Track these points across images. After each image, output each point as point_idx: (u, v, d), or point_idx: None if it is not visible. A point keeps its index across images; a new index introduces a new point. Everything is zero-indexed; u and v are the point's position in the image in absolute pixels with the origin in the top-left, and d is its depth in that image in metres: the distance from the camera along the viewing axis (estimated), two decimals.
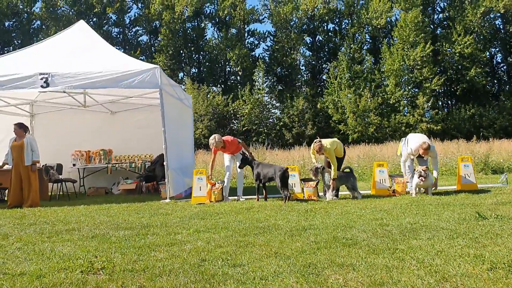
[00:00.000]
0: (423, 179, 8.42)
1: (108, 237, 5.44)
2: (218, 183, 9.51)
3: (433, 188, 8.85)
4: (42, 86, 9.09)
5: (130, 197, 10.91)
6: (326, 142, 8.96)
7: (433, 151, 8.88)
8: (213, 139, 9.25)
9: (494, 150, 16.50)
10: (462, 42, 34.93)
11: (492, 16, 37.14)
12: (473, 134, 22.04)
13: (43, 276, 3.78)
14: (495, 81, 40.16)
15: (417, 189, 8.71)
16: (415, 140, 8.97)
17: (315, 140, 8.92)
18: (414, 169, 8.96)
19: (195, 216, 7.02)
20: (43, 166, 10.96)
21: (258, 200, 8.92)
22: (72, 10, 40.46)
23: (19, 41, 38.81)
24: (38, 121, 13.10)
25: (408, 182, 9.17)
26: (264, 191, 9.05)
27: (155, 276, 3.69)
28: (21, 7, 40.04)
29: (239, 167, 9.41)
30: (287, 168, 8.91)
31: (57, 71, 9.18)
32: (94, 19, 40.80)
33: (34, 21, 40.85)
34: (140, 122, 13.02)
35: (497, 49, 39.60)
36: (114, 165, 12.49)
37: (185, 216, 7.06)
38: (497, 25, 38.68)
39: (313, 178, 8.87)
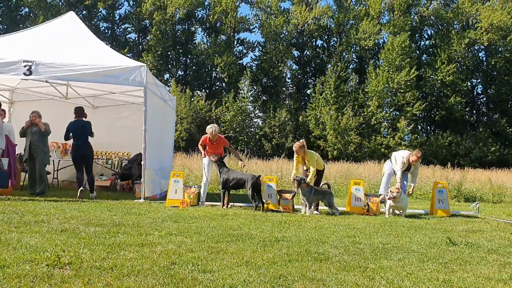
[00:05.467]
0: (394, 200, 8.55)
1: (78, 232, 5.34)
2: (194, 187, 9.45)
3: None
4: (24, 74, 8.91)
5: (103, 193, 10.74)
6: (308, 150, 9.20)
7: (418, 165, 9.67)
8: (213, 127, 9.12)
9: (468, 179, 16.81)
10: (445, 70, 35.68)
11: (476, 48, 38.13)
12: (449, 161, 22.45)
13: (7, 266, 3.67)
14: (474, 111, 41.05)
15: (390, 210, 8.81)
16: (405, 152, 9.59)
17: (300, 140, 9.14)
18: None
19: (168, 218, 6.94)
20: (17, 155, 10.72)
21: (222, 206, 8.89)
22: (62, 0, 39.99)
23: (5, 27, 38.11)
24: (17, 109, 12.81)
25: (382, 202, 9.30)
26: (227, 197, 9.00)
27: (123, 275, 3.62)
28: None
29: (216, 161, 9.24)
30: (260, 176, 8.95)
31: (41, 59, 9.02)
32: (84, 12, 40.36)
33: (22, 8, 40.22)
34: (122, 119, 12.84)
35: (478, 80, 40.57)
36: None
37: (158, 217, 6.98)
38: (480, 57, 39.73)
39: (295, 189, 8.86)
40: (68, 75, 9.20)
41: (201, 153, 9.72)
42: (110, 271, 3.71)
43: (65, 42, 10.17)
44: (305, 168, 9.19)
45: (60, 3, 39.83)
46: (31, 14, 39.27)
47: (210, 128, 9.15)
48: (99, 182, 12.03)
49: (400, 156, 9.38)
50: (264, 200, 8.93)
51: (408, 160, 9.28)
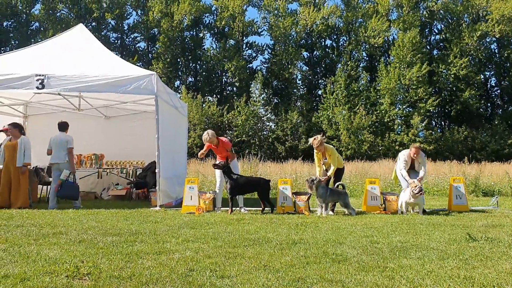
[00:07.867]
0: (416, 195, 8.39)
1: (96, 242, 5.36)
2: (209, 193, 9.46)
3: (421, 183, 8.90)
4: (37, 87, 9.03)
5: (119, 203, 10.81)
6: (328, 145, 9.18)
7: (422, 157, 9.34)
8: (206, 134, 9.08)
9: (485, 173, 16.58)
10: (458, 64, 35.35)
11: (488, 40, 37.72)
12: (465, 156, 22.17)
13: (28, 279, 3.70)
14: (489, 104, 40.60)
15: (407, 207, 8.72)
16: (405, 150, 9.52)
17: (316, 136, 9.00)
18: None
19: (184, 225, 6.95)
20: (33, 168, 10.85)
21: (231, 213, 8.66)
22: (71, 13, 40.49)
23: (17, 42, 38.73)
24: (32, 122, 12.99)
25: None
26: (231, 203, 8.87)
27: (142, 284, 3.63)
28: (20, 7, 40.03)
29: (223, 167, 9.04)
30: (269, 180, 9.09)
31: (53, 73, 9.13)
32: (93, 24, 40.85)
33: (32, 22, 40.86)
34: (134, 128, 12.93)
35: (492, 72, 40.12)
36: (105, 170, 12.39)
37: (175, 224, 7.00)
38: (493, 49, 39.30)
39: (309, 190, 8.84)
40: (80, 87, 9.29)
41: (213, 157, 9.75)
42: (129, 280, 3.72)
43: (76, 54, 10.30)
44: (325, 168, 9.14)
45: (69, 16, 40.34)
46: (42, 28, 39.84)
47: (204, 135, 9.10)
48: (115, 191, 12.14)
49: (401, 155, 9.34)
50: (280, 203, 8.96)
51: (409, 157, 9.19)
